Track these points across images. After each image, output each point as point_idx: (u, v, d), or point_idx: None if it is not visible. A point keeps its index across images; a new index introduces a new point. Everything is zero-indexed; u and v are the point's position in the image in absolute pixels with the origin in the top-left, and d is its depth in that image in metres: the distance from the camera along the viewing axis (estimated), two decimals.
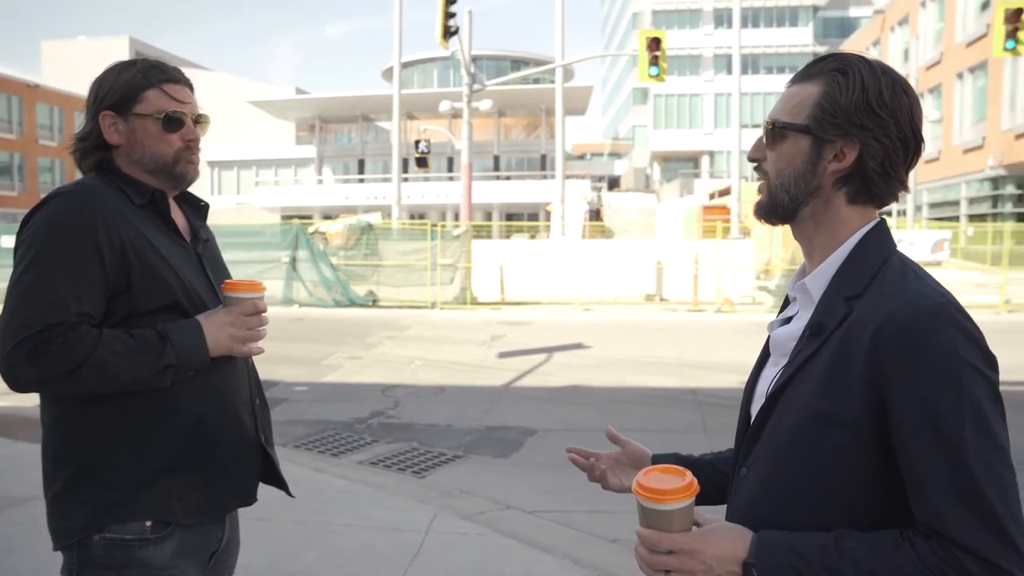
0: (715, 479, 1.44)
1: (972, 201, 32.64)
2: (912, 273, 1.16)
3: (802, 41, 54.38)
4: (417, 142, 23.22)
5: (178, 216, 1.85)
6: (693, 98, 54.65)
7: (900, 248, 1.22)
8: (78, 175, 1.82)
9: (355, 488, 5.15)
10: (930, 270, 1.37)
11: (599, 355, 11.03)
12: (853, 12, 58.00)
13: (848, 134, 1.18)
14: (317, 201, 43.70)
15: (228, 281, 1.79)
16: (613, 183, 57.51)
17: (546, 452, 6.26)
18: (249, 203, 43.78)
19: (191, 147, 1.80)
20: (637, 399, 8.23)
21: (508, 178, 45.60)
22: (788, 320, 1.30)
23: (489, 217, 42.82)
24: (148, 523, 1.66)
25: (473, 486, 5.42)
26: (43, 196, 1.69)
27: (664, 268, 17.97)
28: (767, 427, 1.22)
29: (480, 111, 25.07)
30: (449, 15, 17.76)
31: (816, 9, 55.93)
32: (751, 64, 51.21)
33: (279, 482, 1.94)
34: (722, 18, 53.08)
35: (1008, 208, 30.03)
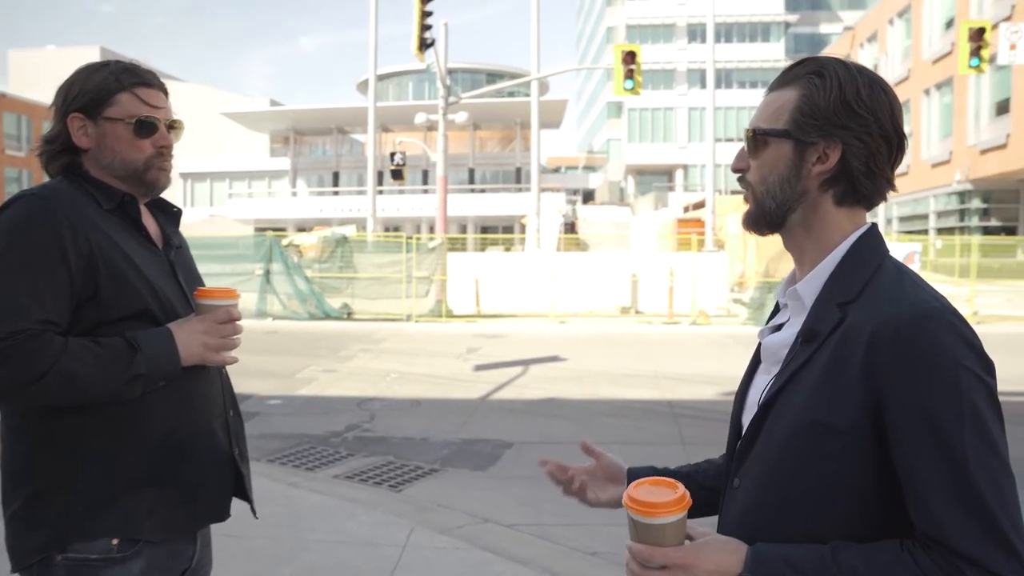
0: (695, 492, 1.41)
1: (940, 215, 33.21)
2: (907, 278, 1.14)
3: (774, 56, 55.18)
4: (392, 154, 23.15)
5: (149, 222, 1.79)
6: (667, 112, 55.18)
7: None
8: (47, 180, 1.76)
9: (330, 503, 5.07)
10: None
11: (575, 367, 11.01)
12: (824, 28, 59.02)
13: (830, 135, 1.16)
14: (291, 213, 43.49)
15: (201, 288, 1.73)
16: (588, 196, 57.80)
17: (523, 465, 6.21)
18: (222, 215, 43.41)
19: (163, 154, 1.74)
20: (614, 411, 8.21)
21: (483, 191, 45.70)
22: (779, 327, 1.28)
23: (464, 230, 42.82)
24: (114, 541, 1.58)
25: (450, 500, 5.36)
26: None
27: (639, 281, 18.04)
28: (760, 437, 1.18)
29: (455, 124, 25.10)
30: (425, 27, 17.77)
31: (788, 25, 56.88)
32: (724, 79, 51.82)
33: (248, 498, 1.87)
34: (695, 33, 53.72)
35: (974, 222, 30.61)
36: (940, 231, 32.25)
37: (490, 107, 40.97)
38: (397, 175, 23.30)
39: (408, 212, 41.31)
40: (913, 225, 34.75)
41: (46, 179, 1.75)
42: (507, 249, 28.26)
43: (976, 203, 30.90)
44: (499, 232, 40.86)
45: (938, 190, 32.69)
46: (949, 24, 30.89)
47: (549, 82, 54.33)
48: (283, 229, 33.86)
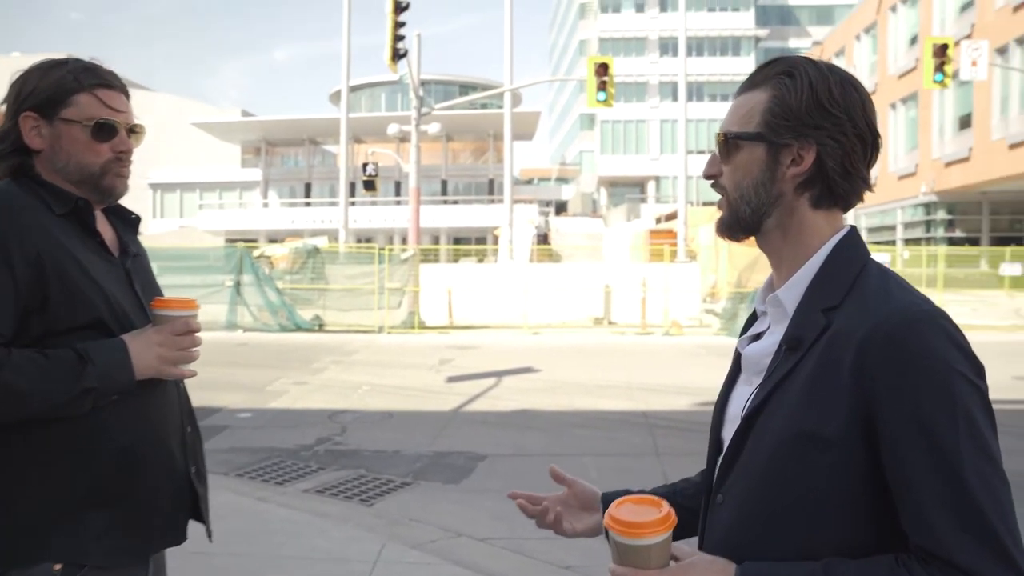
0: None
1: (907, 226, 33.81)
2: (893, 281, 1.10)
3: (744, 70, 55.85)
4: (365, 165, 23.03)
5: (105, 228, 1.70)
6: (639, 124, 55.71)
7: None
8: None
9: (300, 518, 4.96)
10: None
11: (549, 379, 10.97)
12: (792, 43, 60.06)
13: (803, 136, 1.13)
14: (263, 225, 43.13)
15: (158, 298, 1.65)
16: (560, 208, 57.98)
17: (497, 477, 6.14)
18: (192, 226, 42.94)
19: (122, 159, 1.66)
20: (588, 423, 8.17)
21: (456, 202, 45.71)
22: (758, 336, 1.23)
23: (437, 241, 42.73)
24: (56, 566, 1.49)
25: (423, 513, 5.28)
26: None
27: (612, 292, 18.07)
28: (744, 449, 1.14)
29: (428, 135, 25.08)
30: (398, 38, 17.74)
31: (758, 40, 57.84)
32: (695, 91, 52.39)
33: (204, 520, 1.77)
34: (667, 46, 54.36)
35: (940, 232, 31.18)
36: (907, 242, 32.80)
37: (463, 119, 41.02)
38: (369, 186, 23.19)
39: (380, 223, 41.16)
40: (881, 236, 35.31)
41: None
42: (480, 260, 28.22)
43: (941, 214, 31.48)
44: (472, 243, 40.86)
45: (905, 202, 33.28)
46: (914, 40, 31.53)
47: (522, 94, 54.65)
48: (254, 240, 33.48)
